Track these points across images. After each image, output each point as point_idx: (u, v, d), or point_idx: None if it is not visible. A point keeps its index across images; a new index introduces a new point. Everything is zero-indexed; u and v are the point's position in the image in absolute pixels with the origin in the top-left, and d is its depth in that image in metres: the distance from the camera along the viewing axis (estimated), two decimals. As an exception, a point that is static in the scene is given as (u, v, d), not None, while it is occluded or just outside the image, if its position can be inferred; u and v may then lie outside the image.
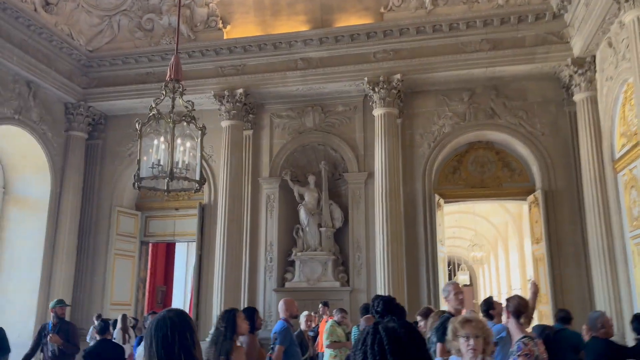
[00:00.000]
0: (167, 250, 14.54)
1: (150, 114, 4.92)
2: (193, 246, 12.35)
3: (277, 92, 10.76)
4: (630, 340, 7.39)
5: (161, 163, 4.83)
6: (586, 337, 5.05)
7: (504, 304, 4.09)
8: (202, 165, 5.21)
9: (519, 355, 3.34)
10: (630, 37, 7.12)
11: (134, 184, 5.03)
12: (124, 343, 8.50)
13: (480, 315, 4.97)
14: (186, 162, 4.95)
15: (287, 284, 10.37)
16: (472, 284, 27.59)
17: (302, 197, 10.68)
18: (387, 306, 4.04)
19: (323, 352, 7.75)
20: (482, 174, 10.54)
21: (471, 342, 2.99)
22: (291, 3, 10.52)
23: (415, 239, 9.98)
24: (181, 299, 15.58)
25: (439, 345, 4.13)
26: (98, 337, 6.08)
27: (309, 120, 10.93)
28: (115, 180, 11.74)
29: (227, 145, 10.50)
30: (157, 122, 4.99)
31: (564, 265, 9.35)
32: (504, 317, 3.92)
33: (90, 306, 10.98)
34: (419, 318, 5.47)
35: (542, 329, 5.02)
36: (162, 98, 5.04)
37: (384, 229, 9.46)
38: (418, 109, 10.50)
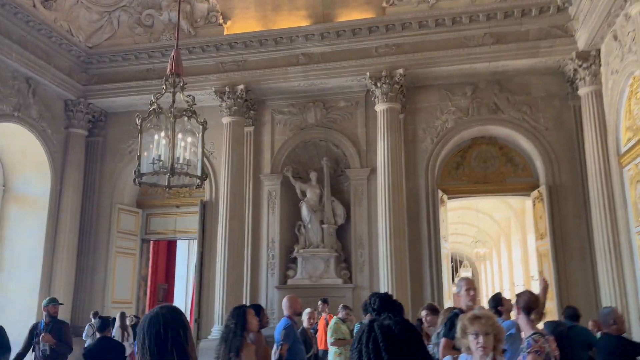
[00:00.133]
0: (169, 248, 14.47)
1: (151, 109, 4.84)
2: (194, 244, 12.29)
3: (279, 87, 10.67)
4: (636, 336, 7.33)
5: (162, 158, 4.75)
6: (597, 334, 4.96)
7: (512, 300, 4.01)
8: (203, 162, 5.13)
9: (529, 352, 3.25)
10: (637, 30, 7.04)
11: (134, 180, 4.95)
12: (123, 341, 8.44)
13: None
14: (187, 158, 4.88)
15: (289, 281, 10.30)
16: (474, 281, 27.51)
17: (304, 193, 10.60)
18: (384, 303, 3.98)
19: (323, 350, 7.70)
20: (485, 170, 10.47)
21: (480, 339, 2.91)
22: (292, -2, 10.43)
23: (419, 236, 9.91)
24: (183, 296, 15.54)
25: (443, 340, 4.06)
26: (98, 335, 6.00)
27: (311, 116, 10.84)
28: (115, 177, 11.67)
29: (228, 142, 10.42)
30: (158, 117, 4.91)
31: (568, 260, 9.28)
32: (514, 313, 3.84)
33: (91, 305, 10.91)
34: (424, 313, 5.40)
35: (555, 326, 4.93)
36: (163, 92, 4.96)
37: (386, 225, 9.38)
38: (421, 104, 10.42)
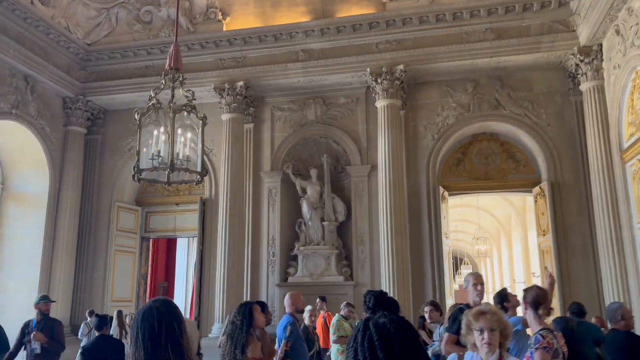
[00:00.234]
0: (168, 246, 14.41)
1: (150, 104, 4.77)
2: (194, 241, 12.22)
3: (278, 84, 10.60)
4: (639, 332, 7.28)
5: (161, 154, 4.69)
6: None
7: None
8: (202, 158, 5.06)
9: (536, 348, 3.19)
10: (640, 24, 6.97)
11: (133, 176, 4.88)
12: (120, 339, 8.37)
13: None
14: (187, 154, 4.82)
15: (290, 279, 10.25)
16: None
17: (304, 190, 10.55)
18: (379, 301, 3.93)
19: (324, 348, 7.65)
20: (486, 166, 10.42)
21: (486, 335, 2.84)
22: (291, -7, 10.36)
23: (420, 232, 9.86)
24: (183, 294, 15.47)
25: (445, 335, 4.00)
26: (96, 333, 5.93)
27: (311, 113, 10.78)
28: (115, 175, 11.61)
29: (227, 139, 10.36)
30: (157, 112, 4.85)
31: (571, 257, 9.23)
32: (520, 309, 3.78)
33: (90, 303, 10.86)
34: (427, 309, 5.34)
35: (565, 322, 4.87)
36: (162, 87, 4.90)
37: (387, 222, 9.33)
38: (421, 100, 10.36)
